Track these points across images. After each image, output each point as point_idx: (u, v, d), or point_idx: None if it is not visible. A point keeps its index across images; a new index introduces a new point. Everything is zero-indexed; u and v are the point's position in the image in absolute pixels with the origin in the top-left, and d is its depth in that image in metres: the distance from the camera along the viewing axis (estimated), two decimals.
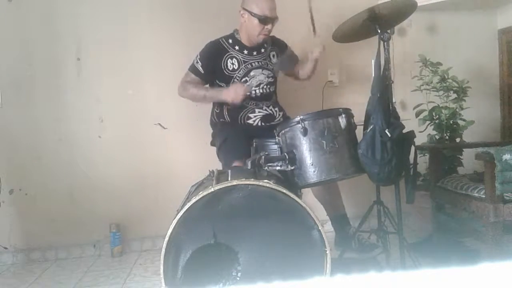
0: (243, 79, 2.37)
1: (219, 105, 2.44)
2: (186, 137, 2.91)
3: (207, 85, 2.45)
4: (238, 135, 2.28)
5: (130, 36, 2.89)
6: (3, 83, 2.81)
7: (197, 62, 2.39)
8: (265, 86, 2.41)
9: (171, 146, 2.93)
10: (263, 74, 2.41)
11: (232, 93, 2.26)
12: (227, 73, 2.37)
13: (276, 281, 0.52)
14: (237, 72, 2.37)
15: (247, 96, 2.33)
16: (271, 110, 2.41)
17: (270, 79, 2.43)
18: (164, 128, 2.93)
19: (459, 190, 2.12)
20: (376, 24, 2.00)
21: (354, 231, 2.22)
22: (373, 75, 2.04)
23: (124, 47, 2.88)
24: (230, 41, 2.41)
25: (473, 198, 2.02)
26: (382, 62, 2.00)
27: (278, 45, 2.53)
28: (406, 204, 2.13)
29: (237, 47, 2.40)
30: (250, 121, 2.37)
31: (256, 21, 2.29)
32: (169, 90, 2.84)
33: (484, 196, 1.94)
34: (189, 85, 2.39)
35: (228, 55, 2.38)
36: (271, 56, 2.47)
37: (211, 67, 2.37)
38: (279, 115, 2.44)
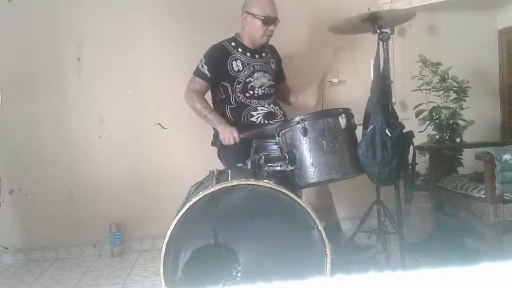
0: (248, 79, 2.39)
1: (222, 105, 2.45)
2: (186, 137, 2.91)
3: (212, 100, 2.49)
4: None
5: (130, 36, 2.89)
6: (3, 83, 2.81)
7: (202, 66, 2.39)
8: (266, 88, 2.45)
9: (171, 146, 2.93)
10: (264, 76, 2.45)
11: (227, 134, 2.26)
12: (232, 74, 2.39)
13: (276, 281, 0.52)
14: (242, 72, 2.40)
15: (250, 96, 2.39)
16: (272, 108, 2.44)
17: (271, 82, 2.49)
18: (164, 128, 2.93)
19: (459, 190, 2.12)
20: (375, 24, 2.00)
21: (349, 238, 2.22)
22: (372, 75, 2.04)
23: (124, 47, 2.88)
24: (233, 43, 2.44)
25: (473, 198, 2.02)
26: (382, 62, 2.00)
27: (276, 56, 2.59)
28: (405, 204, 2.13)
29: (240, 49, 2.43)
30: (253, 119, 2.39)
31: (259, 22, 2.33)
32: (169, 90, 2.85)
33: (484, 196, 1.94)
34: (197, 97, 2.39)
35: (232, 57, 2.40)
36: (271, 63, 2.52)
37: (217, 69, 2.39)
38: (280, 113, 2.47)
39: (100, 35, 2.86)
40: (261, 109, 2.40)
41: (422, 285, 0.49)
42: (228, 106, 2.42)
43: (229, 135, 2.26)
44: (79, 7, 2.85)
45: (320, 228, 1.62)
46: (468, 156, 2.65)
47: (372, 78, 2.04)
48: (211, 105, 2.52)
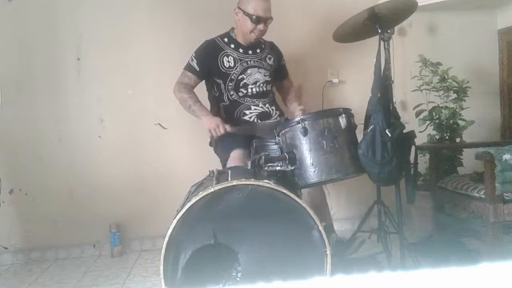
0: (240, 76, 2.39)
1: (216, 102, 2.45)
2: (186, 137, 2.91)
3: (201, 90, 2.46)
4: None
5: (130, 36, 2.89)
6: (3, 83, 2.81)
7: (192, 60, 2.42)
8: (261, 84, 2.42)
9: (171, 146, 2.93)
10: (259, 72, 2.43)
11: (213, 124, 2.24)
12: (224, 71, 2.38)
13: (276, 281, 0.52)
14: (233, 69, 2.39)
15: (243, 94, 2.38)
16: (267, 108, 2.42)
17: (267, 78, 2.46)
18: (164, 128, 2.93)
19: (459, 190, 2.12)
20: (376, 24, 2.00)
21: (337, 238, 2.20)
22: (373, 75, 2.04)
23: (124, 47, 2.88)
24: (226, 39, 2.44)
25: (473, 198, 2.02)
26: (383, 62, 2.00)
27: (276, 52, 2.57)
28: (406, 204, 2.13)
29: (232, 46, 2.42)
30: (246, 117, 2.38)
31: (248, 20, 2.32)
32: (169, 90, 2.83)
33: (484, 196, 1.94)
34: (184, 88, 2.39)
35: (223, 53, 2.40)
36: (268, 59, 2.49)
37: (207, 65, 2.39)
38: (275, 113, 2.44)
39: (100, 35, 2.86)
40: (255, 109, 2.39)
41: (422, 285, 0.49)
42: (222, 104, 2.42)
43: (214, 124, 2.23)
44: (79, 7, 2.85)
45: (320, 228, 1.62)
46: (468, 156, 2.65)
47: (373, 78, 2.04)
48: (209, 106, 2.52)
